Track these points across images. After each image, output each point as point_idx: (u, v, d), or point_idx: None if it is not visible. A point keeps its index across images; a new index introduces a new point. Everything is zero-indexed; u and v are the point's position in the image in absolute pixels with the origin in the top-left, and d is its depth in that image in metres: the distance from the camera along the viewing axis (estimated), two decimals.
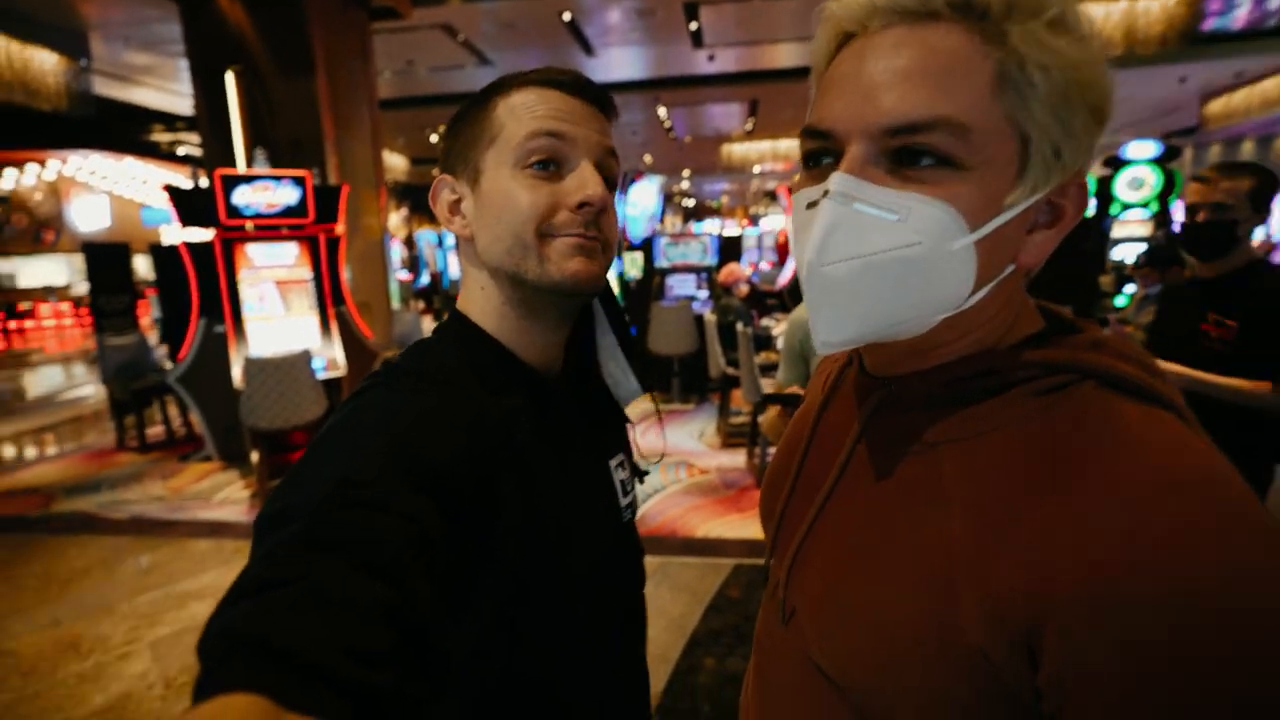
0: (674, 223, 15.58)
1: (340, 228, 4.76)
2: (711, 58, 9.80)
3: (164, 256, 4.96)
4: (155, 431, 5.44)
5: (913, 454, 0.47)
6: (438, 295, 12.45)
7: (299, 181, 4.42)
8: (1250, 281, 1.62)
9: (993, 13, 0.40)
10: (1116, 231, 7.33)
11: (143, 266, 10.62)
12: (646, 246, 6.91)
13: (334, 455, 0.49)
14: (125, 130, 11.89)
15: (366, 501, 0.44)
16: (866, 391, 0.53)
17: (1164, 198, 7.50)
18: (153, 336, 6.75)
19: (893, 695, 0.43)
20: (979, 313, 0.46)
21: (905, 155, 0.42)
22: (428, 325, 9.65)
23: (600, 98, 0.66)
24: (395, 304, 6.54)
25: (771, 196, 18.13)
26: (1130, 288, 6.37)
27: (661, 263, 6.73)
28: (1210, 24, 8.92)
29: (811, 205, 0.45)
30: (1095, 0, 7.54)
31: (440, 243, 13.62)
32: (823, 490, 0.54)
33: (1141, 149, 7.58)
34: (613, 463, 0.73)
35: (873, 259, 0.42)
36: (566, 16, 7.88)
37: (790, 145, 15.99)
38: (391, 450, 0.49)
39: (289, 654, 0.32)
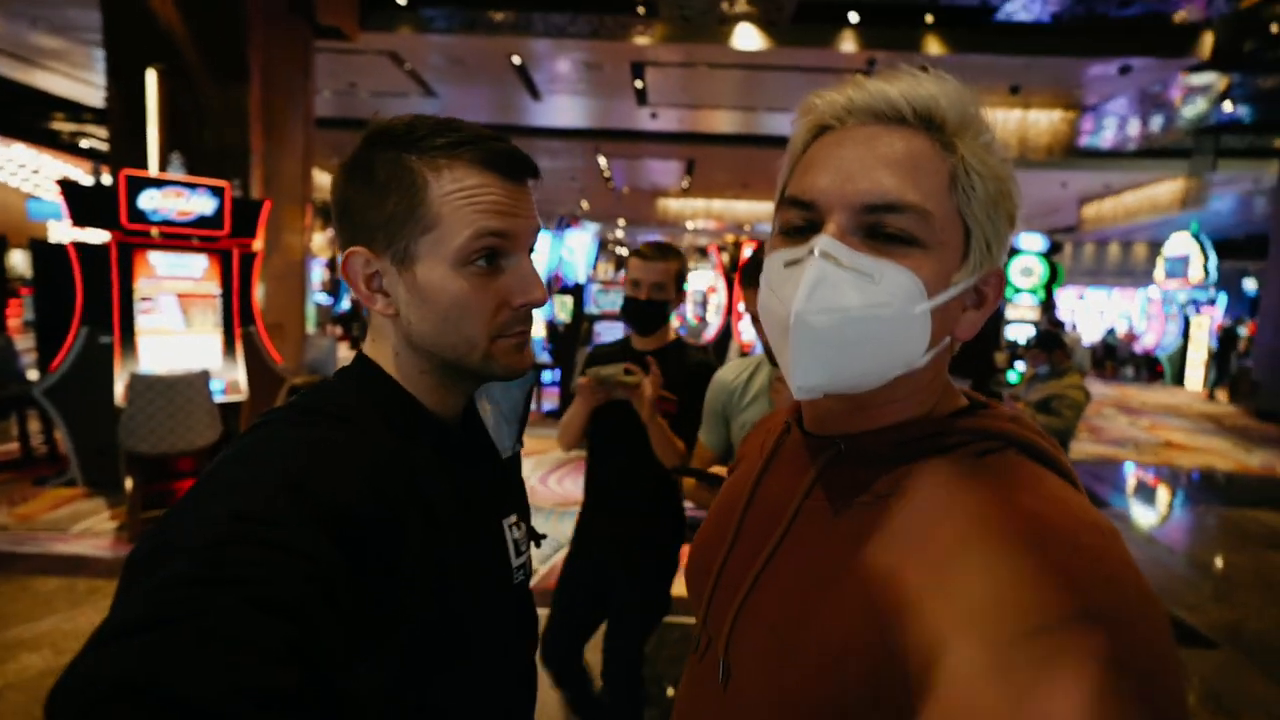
0: (606, 269, 15.79)
1: (258, 244, 4.51)
2: (654, 115, 10.22)
3: (47, 254, 4.49)
4: (8, 449, 4.81)
5: (862, 505, 0.52)
6: (357, 322, 11.94)
7: (217, 191, 4.17)
8: (680, 356, 1.81)
9: (947, 128, 0.50)
10: (1009, 313, 8.16)
11: (20, 263, 9.60)
12: (577, 291, 6.94)
13: (227, 490, 0.47)
14: (19, 114, 10.91)
15: (263, 539, 0.41)
16: (815, 450, 0.57)
17: (1048, 286, 8.41)
18: (22, 341, 6.05)
19: None
20: (922, 374, 0.53)
21: (877, 230, 0.49)
22: (344, 354, 9.22)
23: (531, 172, 0.66)
24: (310, 328, 6.21)
25: (702, 253, 18.79)
26: (1020, 365, 7.03)
27: (591, 309, 6.78)
28: (1084, 140, 10.26)
29: (792, 264, 0.51)
30: (995, 107, 8.53)
31: None
32: (769, 545, 0.56)
33: (1031, 242, 8.49)
34: (507, 521, 0.72)
35: (851, 313, 0.48)
36: (516, 60, 8.03)
37: (723, 205, 16.72)
38: (290, 487, 0.47)
39: (186, 701, 0.29)
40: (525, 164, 0.64)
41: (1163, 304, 13.14)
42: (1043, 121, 9.63)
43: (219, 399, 3.81)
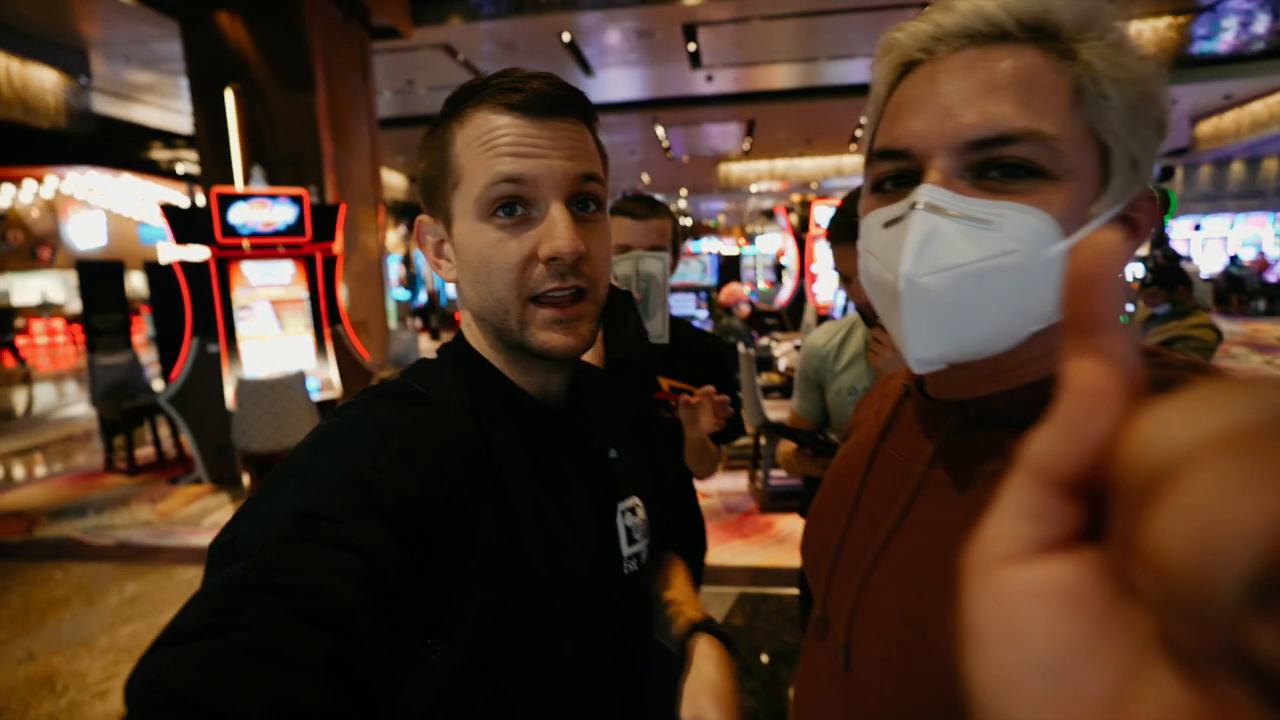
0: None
1: (337, 246, 4.71)
2: (710, 78, 9.89)
3: (159, 274, 4.90)
4: (145, 453, 5.33)
5: (993, 473, 0.46)
6: (435, 314, 12.43)
7: (296, 200, 4.38)
8: (688, 337, 1.46)
9: (1064, 33, 0.42)
10: None
11: (138, 284, 10.57)
12: None
13: (293, 482, 0.47)
14: (124, 147, 11.92)
15: (322, 537, 0.41)
16: (939, 415, 0.52)
17: (1160, 217, 7.55)
18: (146, 355, 6.67)
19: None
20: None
21: (989, 168, 0.42)
22: (425, 345, 9.61)
23: (567, 107, 0.57)
24: (392, 323, 6.49)
25: (769, 215, 18.24)
26: (1129, 308, 6.37)
27: None
28: (1197, 47, 9.07)
29: (892, 223, 0.45)
30: None
31: None
32: (891, 519, 0.51)
33: None
34: (622, 505, 0.68)
35: (969, 268, 0.42)
36: (566, 37, 7.95)
37: (786, 165, 16.11)
38: (355, 479, 0.46)
39: (216, 715, 0.30)
40: (551, 100, 0.56)
41: None
42: (1145, 32, 8.59)
43: (316, 397, 4.05)
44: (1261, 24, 8.49)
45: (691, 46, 8.60)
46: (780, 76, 10.13)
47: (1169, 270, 3.56)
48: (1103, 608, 0.14)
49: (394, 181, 14.32)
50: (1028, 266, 0.41)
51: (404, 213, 15.68)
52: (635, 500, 0.69)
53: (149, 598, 3.11)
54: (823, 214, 6.77)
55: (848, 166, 15.87)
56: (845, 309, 4.62)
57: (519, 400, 0.63)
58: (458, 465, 0.53)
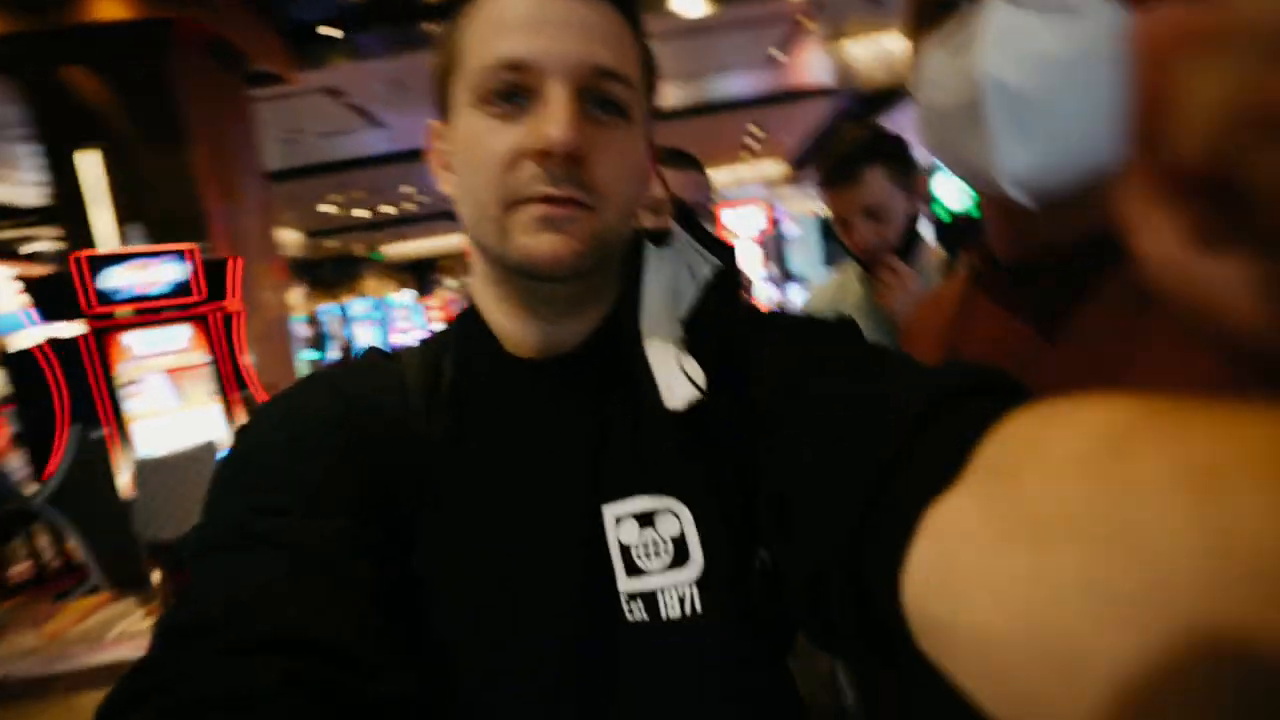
0: None
1: (234, 304, 4.30)
2: None
3: (19, 363, 4.26)
4: (19, 570, 4.59)
5: (1136, 314, 0.41)
6: None
7: (182, 255, 3.96)
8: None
9: None
10: None
11: None
12: None
13: (225, 480, 0.45)
14: None
15: (255, 536, 0.39)
16: (1040, 275, 0.46)
17: None
18: (13, 459, 5.81)
19: None
20: None
21: None
22: None
23: None
24: None
25: None
26: None
27: None
28: None
29: (957, 45, 0.42)
30: None
31: (344, 315, 12.96)
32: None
33: None
34: (614, 510, 0.46)
35: (1057, 59, 0.38)
36: None
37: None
38: (283, 465, 0.44)
39: None
40: None
41: None
42: None
43: None
44: None
45: None
46: (669, 95, 10.45)
47: None
48: None
49: (288, 238, 13.55)
50: (1117, 60, 0.37)
51: (303, 271, 14.83)
52: (661, 503, 0.45)
53: None
54: (731, 218, 6.96)
55: (745, 175, 16.55)
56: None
57: (483, 349, 0.53)
58: (377, 437, 0.47)
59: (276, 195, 6.53)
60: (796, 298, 4.53)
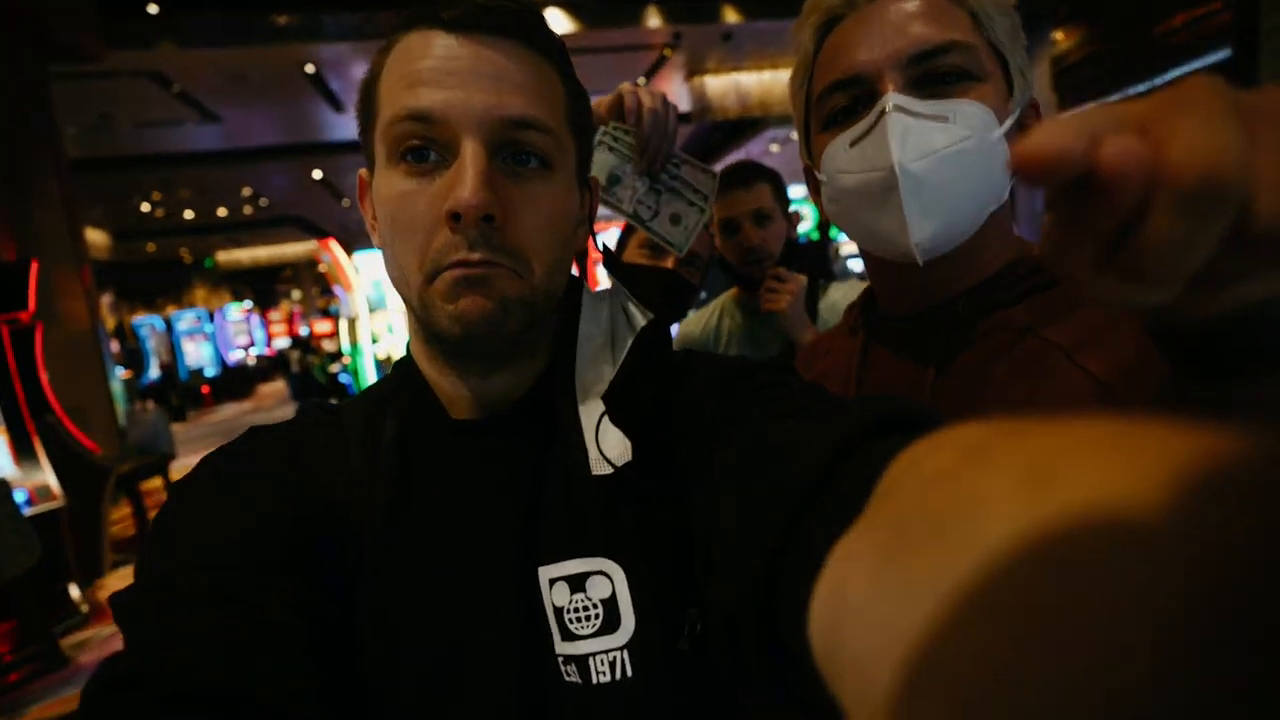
0: None
1: (28, 316, 3.66)
2: None
3: None
4: None
5: (1008, 343, 0.53)
6: (175, 390, 10.23)
7: None
8: None
9: None
10: None
11: None
12: None
13: (157, 537, 0.44)
14: None
15: (195, 589, 0.39)
16: (929, 321, 0.57)
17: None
18: None
19: None
20: (1005, 217, 0.56)
21: (930, 77, 0.52)
22: (178, 429, 7.95)
23: (513, 27, 0.45)
24: (119, 405, 5.20)
25: None
26: None
27: None
28: None
29: (859, 139, 0.53)
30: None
31: (169, 328, 11.32)
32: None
33: None
34: (550, 572, 0.46)
35: (943, 153, 0.50)
36: (310, 69, 7.27)
37: None
38: (225, 521, 0.44)
39: None
40: (490, 14, 0.44)
41: None
42: None
43: (27, 512, 3.06)
44: None
45: None
46: None
47: None
48: None
49: (94, 239, 11.63)
50: (982, 149, 0.51)
51: (109, 276, 12.78)
52: (593, 564, 0.45)
53: None
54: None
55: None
56: None
57: (422, 407, 0.52)
58: (312, 494, 0.47)
59: (80, 188, 5.62)
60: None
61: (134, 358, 10.77)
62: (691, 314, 1.58)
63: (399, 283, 0.48)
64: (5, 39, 4.64)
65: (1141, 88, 7.34)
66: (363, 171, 0.53)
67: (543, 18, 0.49)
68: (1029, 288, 0.54)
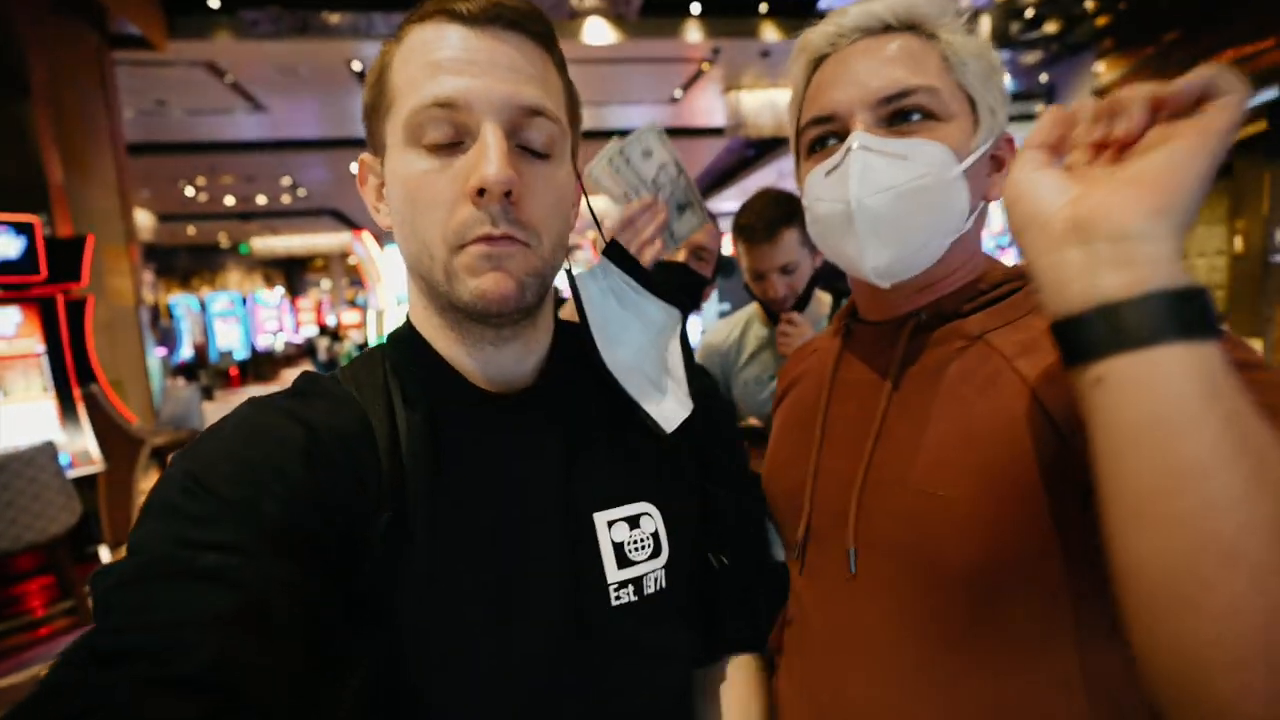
0: None
1: (82, 289, 3.82)
2: None
3: None
4: None
5: (959, 349, 0.57)
6: (205, 370, 10.49)
7: (22, 229, 3.48)
8: None
9: (928, 23, 0.58)
10: None
11: None
12: None
13: (165, 504, 0.42)
14: None
15: (192, 569, 0.38)
16: (893, 330, 0.62)
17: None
18: None
19: (994, 509, 0.50)
20: (969, 241, 0.59)
21: (895, 117, 0.56)
22: (206, 408, 8.17)
23: (521, 23, 0.50)
24: (155, 381, 5.37)
25: (568, 251, 18.71)
26: None
27: None
28: None
29: (832, 170, 0.57)
30: None
31: (204, 308, 11.61)
32: (875, 418, 0.59)
33: None
34: (608, 515, 0.55)
35: (899, 189, 0.54)
36: (357, 66, 7.48)
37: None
38: (229, 502, 0.41)
39: None
40: (503, 10, 0.49)
41: None
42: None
43: (70, 474, 3.19)
44: None
45: None
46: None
47: None
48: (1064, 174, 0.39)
49: (139, 220, 12.02)
50: (939, 185, 0.54)
51: (151, 256, 13.18)
52: (642, 508, 0.57)
53: None
54: None
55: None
56: None
57: (441, 379, 0.54)
58: (340, 466, 0.46)
59: (132, 170, 5.84)
60: (692, 330, 4.59)
61: (168, 336, 11.10)
62: (719, 323, 1.63)
63: (419, 255, 0.50)
64: (73, 26, 4.87)
65: None
66: (365, 156, 0.56)
67: (544, 15, 0.53)
68: (986, 301, 0.58)
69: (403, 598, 0.46)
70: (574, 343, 0.62)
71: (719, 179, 14.62)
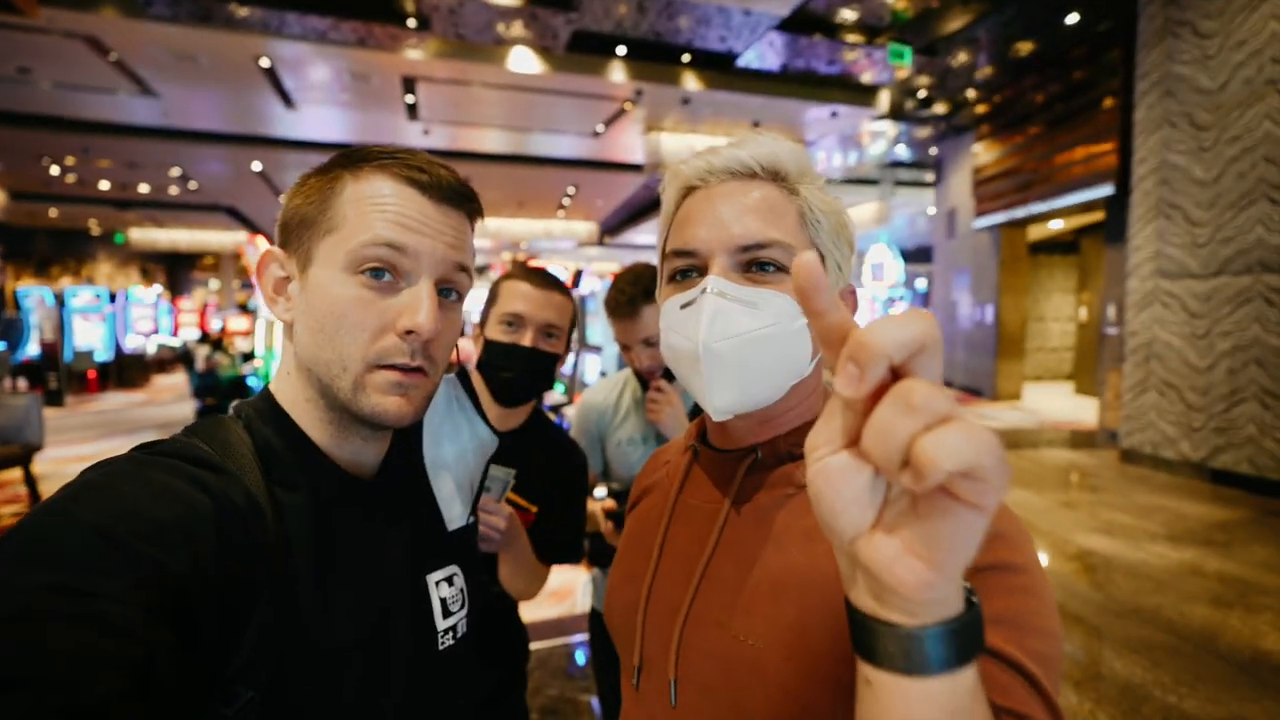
0: None
1: None
2: (426, 132, 9.82)
3: None
4: None
5: (788, 495, 0.60)
6: (55, 372, 9.30)
7: None
8: (546, 438, 1.34)
9: (790, 178, 0.61)
10: None
11: None
12: None
13: (39, 549, 0.40)
14: None
15: (74, 614, 0.38)
16: (732, 462, 0.64)
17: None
18: None
19: (797, 665, 0.52)
20: (810, 382, 0.62)
21: (751, 265, 0.59)
22: (50, 415, 7.22)
23: (463, 202, 0.62)
24: None
25: (480, 271, 18.43)
26: None
27: None
28: None
29: (687, 305, 0.60)
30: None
31: (60, 301, 10.33)
32: (705, 551, 0.62)
33: None
34: (434, 577, 0.68)
35: (745, 336, 0.57)
36: (265, 63, 7.12)
37: (497, 224, 16.61)
38: (115, 544, 0.42)
39: None
40: (453, 191, 0.61)
41: (871, 301, 16.30)
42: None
43: None
44: (837, 160, 11.94)
45: (410, 99, 8.48)
46: (495, 141, 10.58)
47: None
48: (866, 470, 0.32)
49: None
50: (784, 334, 0.57)
51: None
52: (453, 569, 0.70)
53: None
54: (591, 283, 7.22)
55: (556, 230, 17.08)
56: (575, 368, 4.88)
57: (319, 466, 0.60)
58: (240, 540, 0.49)
59: None
60: (591, 369, 4.59)
61: (11, 329, 9.74)
62: (601, 382, 1.67)
63: (329, 363, 0.57)
64: None
65: (1041, 206, 8.30)
66: (273, 249, 0.61)
67: (477, 195, 0.64)
68: None
69: (288, 663, 0.51)
70: (404, 435, 0.72)
71: (636, 213, 14.97)
